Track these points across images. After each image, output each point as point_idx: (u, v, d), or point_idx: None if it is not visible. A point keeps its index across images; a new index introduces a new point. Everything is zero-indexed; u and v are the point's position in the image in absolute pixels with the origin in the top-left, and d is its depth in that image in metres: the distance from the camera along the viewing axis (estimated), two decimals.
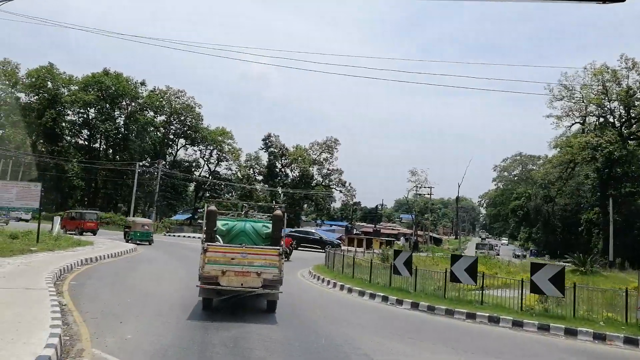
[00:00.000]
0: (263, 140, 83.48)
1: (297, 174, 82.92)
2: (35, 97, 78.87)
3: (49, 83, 76.80)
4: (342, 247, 34.23)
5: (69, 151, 78.28)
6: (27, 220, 49.50)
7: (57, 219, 26.50)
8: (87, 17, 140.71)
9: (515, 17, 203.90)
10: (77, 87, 77.56)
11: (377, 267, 18.72)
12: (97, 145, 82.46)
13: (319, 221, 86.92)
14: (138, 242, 32.02)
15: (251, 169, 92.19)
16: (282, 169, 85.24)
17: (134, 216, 76.44)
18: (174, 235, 49.63)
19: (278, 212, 12.06)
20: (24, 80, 79.00)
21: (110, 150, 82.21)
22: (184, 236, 48.73)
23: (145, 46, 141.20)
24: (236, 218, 13.66)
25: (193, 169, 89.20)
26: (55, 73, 78.35)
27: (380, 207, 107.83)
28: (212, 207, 11.83)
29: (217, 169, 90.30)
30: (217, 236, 11.76)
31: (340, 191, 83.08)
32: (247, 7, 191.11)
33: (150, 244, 32.58)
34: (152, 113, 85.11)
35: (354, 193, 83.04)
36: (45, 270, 14.69)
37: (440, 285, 15.25)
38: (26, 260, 16.98)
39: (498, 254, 55.77)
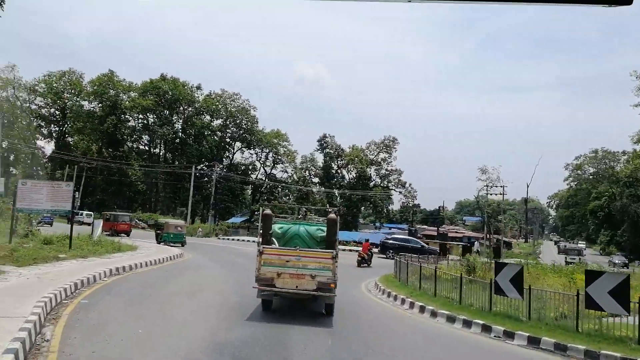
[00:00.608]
0: (318, 141, 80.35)
1: (354, 175, 79.04)
2: (98, 105, 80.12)
3: (110, 90, 77.56)
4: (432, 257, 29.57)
5: (130, 156, 78.67)
6: (80, 223, 48.17)
7: (99, 223, 24.00)
8: (152, 26, 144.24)
9: (580, 10, 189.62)
10: (136, 94, 78.04)
11: (463, 282, 14.44)
12: (156, 150, 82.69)
13: (377, 224, 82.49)
14: (171, 244, 30.82)
15: (307, 171, 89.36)
16: (339, 170, 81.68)
17: (192, 220, 75.84)
18: (227, 239, 47.12)
19: (332, 215, 11.87)
20: (87, 88, 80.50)
21: (170, 155, 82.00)
22: (239, 239, 46.09)
23: (199, 52, 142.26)
24: (291, 221, 13.49)
25: (250, 172, 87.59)
26: (116, 80, 79.10)
27: (441, 209, 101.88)
28: (268, 211, 12.02)
29: (273, 171, 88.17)
30: (273, 239, 11.74)
31: (400, 192, 78.26)
32: (296, 11, 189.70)
33: (183, 246, 31.01)
34: (208, 117, 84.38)
35: (415, 194, 77.99)
36: (57, 284, 11.76)
37: (567, 311, 10.86)
38: (45, 270, 14.23)
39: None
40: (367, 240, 30.31)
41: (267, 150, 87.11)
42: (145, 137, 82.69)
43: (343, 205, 76.83)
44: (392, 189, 78.53)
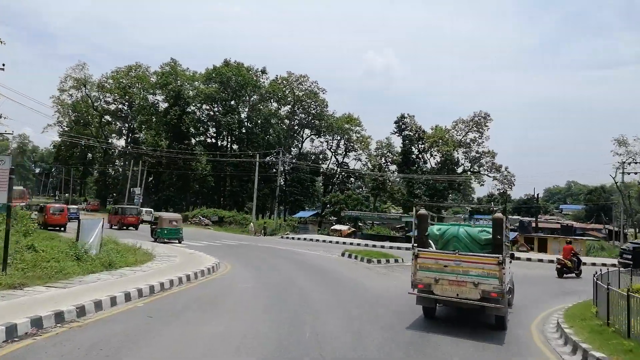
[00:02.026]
0: (396, 122, 70.39)
1: (439, 160, 68.37)
2: (162, 96, 75.98)
3: (172, 80, 72.80)
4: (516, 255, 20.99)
5: (195, 149, 73.54)
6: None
7: (94, 224, 16.18)
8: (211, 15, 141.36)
9: None
10: (199, 83, 72.78)
11: None
12: (223, 142, 77.12)
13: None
14: (166, 240, 27.32)
15: (382, 158, 79.88)
16: (420, 155, 71.29)
17: (256, 214, 69.20)
18: (293, 238, 37.90)
19: (498, 214, 10.46)
20: (152, 80, 76.52)
21: (236, 147, 75.90)
22: (309, 239, 36.68)
23: (263, 39, 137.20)
24: (449, 222, 12.67)
25: (320, 162, 79.67)
26: (179, 70, 74.26)
27: (536, 196, 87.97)
28: (423, 210, 11.10)
29: (345, 160, 79.62)
30: (430, 241, 10.69)
31: (495, 178, 66.47)
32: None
33: (179, 242, 27.35)
34: (275, 105, 77.49)
35: (513, 179, 65.93)
36: None
37: None
38: None
39: None
40: (569, 243, 22.47)
41: (339, 137, 78.82)
42: (212, 130, 77.45)
43: (426, 194, 66.66)
44: (484, 174, 66.97)
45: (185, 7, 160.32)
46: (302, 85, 75.24)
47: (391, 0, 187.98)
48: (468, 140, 68.45)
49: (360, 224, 43.88)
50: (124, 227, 37.06)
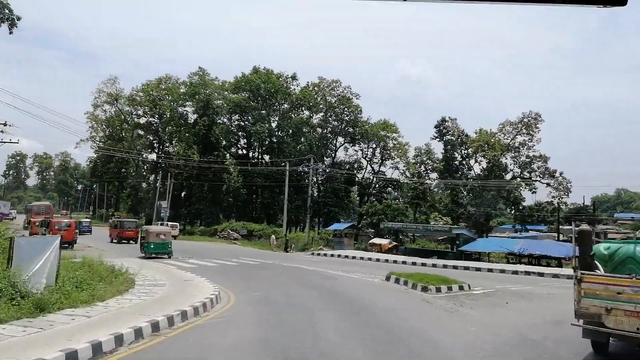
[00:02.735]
0: (436, 127, 64.75)
1: (485, 166, 62.11)
2: (191, 107, 73.17)
3: (201, 90, 69.80)
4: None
5: (225, 160, 69.92)
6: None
7: (53, 242, 11.54)
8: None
9: None
10: (228, 92, 69.50)
11: None
12: (253, 153, 73.32)
13: (517, 226, 64.33)
14: (153, 255, 24.63)
15: (422, 165, 74.11)
16: (464, 161, 65.22)
17: (288, 227, 64.58)
18: (326, 255, 31.75)
19: (585, 227, 9.43)
20: (181, 90, 73.85)
21: (267, 157, 71.85)
22: (344, 256, 30.34)
23: (291, 49, 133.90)
24: (621, 240, 11.78)
25: (355, 171, 74.61)
26: (208, 79, 71.23)
27: (592, 204, 79.66)
28: (586, 226, 9.72)
29: (382, 168, 74.22)
30: (597, 262, 9.01)
31: (548, 184, 59.57)
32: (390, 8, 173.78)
33: (169, 257, 24.66)
34: (307, 112, 73.28)
35: (569, 186, 58.89)
36: None
37: None
38: None
39: None
40: None
41: (374, 145, 73.65)
42: (242, 141, 73.80)
43: (471, 203, 60.44)
44: (536, 180, 60.20)
45: (212, 19, 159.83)
46: (335, 91, 70.79)
47: (419, 7, 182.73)
48: (517, 144, 62.00)
49: (400, 237, 38.48)
50: (123, 241, 36.28)
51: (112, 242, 35.80)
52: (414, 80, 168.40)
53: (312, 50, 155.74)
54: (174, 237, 47.43)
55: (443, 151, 64.79)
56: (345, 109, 70.76)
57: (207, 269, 18.52)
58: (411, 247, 35.94)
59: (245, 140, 72.81)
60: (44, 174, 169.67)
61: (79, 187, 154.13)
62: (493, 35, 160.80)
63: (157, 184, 71.42)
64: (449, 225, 36.81)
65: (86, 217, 62.76)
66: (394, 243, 33.66)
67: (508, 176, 62.34)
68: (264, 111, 67.61)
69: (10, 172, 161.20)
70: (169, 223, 49.37)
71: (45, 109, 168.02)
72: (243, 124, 68.86)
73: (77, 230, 32.77)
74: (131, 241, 36.05)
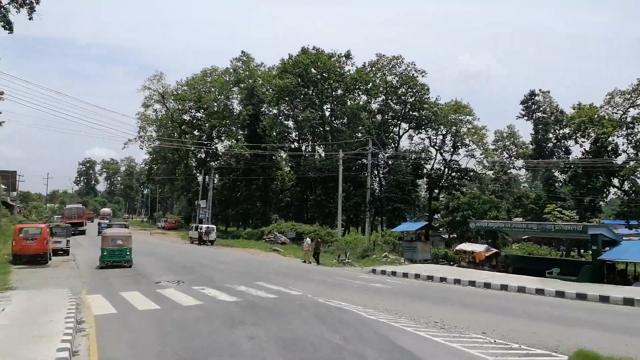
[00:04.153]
0: (523, 102, 52.44)
1: (589, 148, 49.02)
2: (237, 97, 65.58)
3: (245, 77, 61.96)
4: None
5: (274, 153, 61.34)
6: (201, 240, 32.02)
7: None
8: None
9: None
10: (275, 78, 60.98)
11: None
12: (302, 143, 64.29)
13: (633, 221, 50.34)
14: (108, 263, 19.80)
15: (503, 152, 61.79)
16: (559, 143, 52.35)
17: (347, 228, 54.77)
18: (393, 273, 19.50)
19: None
20: (226, 79, 66.33)
21: (321, 149, 62.54)
22: (426, 276, 18.18)
23: (345, 41, 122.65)
24: None
25: (422, 162, 63.58)
26: (252, 66, 63.25)
27: None
28: None
29: (455, 157, 62.67)
30: None
31: None
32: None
33: (130, 267, 19.86)
34: (364, 97, 63.23)
35: None
36: None
37: None
38: None
39: None
40: None
41: (444, 130, 62.38)
42: (293, 134, 64.96)
43: (571, 193, 47.56)
44: None
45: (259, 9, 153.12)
46: (396, 69, 60.16)
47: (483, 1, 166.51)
48: (628, 119, 48.34)
49: (497, 241, 27.55)
50: None
51: None
52: (476, 73, 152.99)
53: (369, 44, 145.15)
54: (211, 242, 39.47)
55: (533, 132, 52.27)
56: (409, 88, 60.01)
57: (145, 320, 9.37)
58: (514, 255, 25.13)
59: (296, 133, 63.96)
60: (112, 179, 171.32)
61: (145, 191, 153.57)
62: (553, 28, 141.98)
63: (205, 183, 64.25)
64: (576, 222, 25.22)
65: (123, 219, 57.54)
66: (493, 250, 22.99)
67: (619, 159, 48.83)
68: (314, 96, 58.36)
69: (81, 179, 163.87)
70: (203, 226, 41.34)
71: (118, 113, 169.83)
72: (292, 112, 59.99)
73: (63, 239, 25.08)
74: None
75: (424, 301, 11.81)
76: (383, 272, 17.75)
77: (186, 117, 74.10)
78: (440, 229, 37.33)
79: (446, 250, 33.25)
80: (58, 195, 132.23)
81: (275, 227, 46.83)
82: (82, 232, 47.92)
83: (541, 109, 51.22)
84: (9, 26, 46.35)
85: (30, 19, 42.54)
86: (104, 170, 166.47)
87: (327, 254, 34.79)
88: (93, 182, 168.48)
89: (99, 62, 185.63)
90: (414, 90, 60.18)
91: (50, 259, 22.78)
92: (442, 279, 15.72)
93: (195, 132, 77.68)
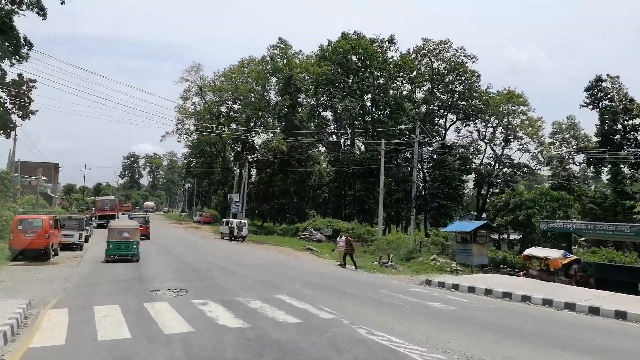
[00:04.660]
0: (588, 89, 46.64)
1: None
2: (274, 87, 62.69)
3: (282, 66, 58.84)
4: None
5: (311, 146, 57.98)
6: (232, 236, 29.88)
7: None
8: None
9: None
10: (313, 66, 57.51)
11: None
12: (341, 135, 60.52)
13: None
14: (115, 256, 18.61)
15: (562, 146, 55.96)
16: (628, 135, 46.28)
17: (387, 226, 50.80)
18: (455, 287, 14.09)
19: None
20: (264, 68, 63.37)
21: (361, 139, 58.58)
22: (502, 294, 12.54)
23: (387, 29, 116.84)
24: None
25: (471, 156, 58.64)
26: (289, 53, 60.05)
27: None
28: None
29: (507, 151, 57.41)
30: None
31: None
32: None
33: (137, 261, 18.61)
34: (408, 86, 58.82)
35: None
36: None
37: None
38: None
39: None
40: None
41: (495, 122, 57.25)
42: (332, 126, 61.33)
43: None
44: None
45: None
46: (443, 54, 55.37)
47: None
48: None
49: (573, 245, 23.06)
50: None
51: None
52: (524, 66, 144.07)
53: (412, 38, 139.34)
54: (242, 238, 36.52)
55: (599, 123, 46.39)
56: (458, 76, 55.18)
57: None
58: (597, 262, 20.58)
59: (334, 125, 60.27)
60: (154, 173, 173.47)
61: (186, 186, 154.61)
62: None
63: (240, 176, 61.72)
64: None
65: (144, 212, 55.84)
66: (571, 256, 18.60)
67: None
68: (354, 85, 54.48)
69: (126, 172, 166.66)
70: (234, 221, 38.45)
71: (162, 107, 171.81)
72: (330, 102, 56.33)
73: (75, 233, 22.60)
74: (143, 237, 30.62)
75: (517, 339, 7.92)
76: (441, 285, 13.75)
77: (223, 109, 71.95)
78: (504, 229, 32.70)
79: (505, 253, 28.76)
80: (102, 188, 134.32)
81: (310, 224, 43.41)
82: None
83: (608, 96, 45.27)
84: (42, 12, 44.82)
85: (62, 3, 40.56)
86: (147, 164, 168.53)
87: (366, 254, 31.08)
88: (137, 176, 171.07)
89: (141, 58, 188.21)
90: (463, 78, 55.36)
91: (56, 254, 20.27)
92: (525, 298, 11.63)
93: (233, 125, 75.52)
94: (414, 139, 30.11)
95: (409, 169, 54.83)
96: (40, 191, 65.89)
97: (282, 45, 58.60)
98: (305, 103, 59.59)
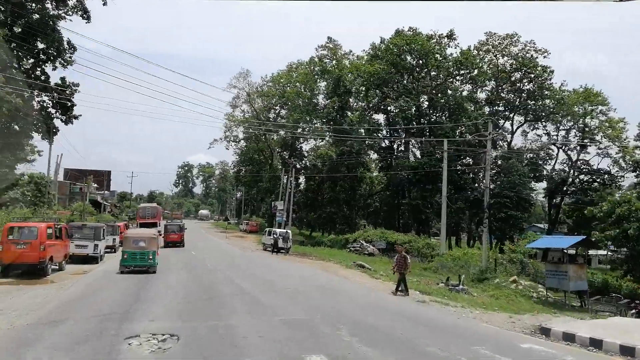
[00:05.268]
0: None
1: None
2: (323, 91, 58.82)
3: (332, 68, 54.91)
4: None
5: (361, 152, 53.23)
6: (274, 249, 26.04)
7: None
8: None
9: None
10: (363, 62, 53.09)
11: None
12: (395, 142, 55.52)
13: None
14: (131, 267, 16.86)
15: None
16: None
17: (449, 242, 45.08)
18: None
19: None
20: (312, 69, 59.57)
21: (415, 143, 53.27)
22: None
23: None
24: None
25: (542, 162, 51.98)
26: (339, 54, 56.01)
27: None
28: None
29: (584, 156, 50.42)
30: None
31: None
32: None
33: (154, 272, 16.84)
34: (469, 86, 53.17)
35: None
36: None
37: None
38: None
39: None
40: None
41: (569, 124, 50.54)
42: (382, 130, 56.38)
43: None
44: None
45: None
46: (510, 49, 49.39)
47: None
48: None
49: None
50: (169, 245, 31.78)
51: (164, 247, 29.75)
52: (585, 73, 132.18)
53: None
54: (286, 250, 32.47)
55: None
56: (527, 73, 48.99)
57: None
58: None
59: (387, 130, 55.33)
60: (207, 182, 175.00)
61: (238, 195, 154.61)
62: None
63: (287, 183, 58.20)
64: None
65: (177, 218, 53.48)
66: None
67: None
68: (409, 85, 49.54)
69: (180, 181, 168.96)
70: (277, 230, 34.42)
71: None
72: (382, 104, 51.59)
73: (90, 243, 19.30)
74: (178, 244, 32.27)
75: None
76: (569, 338, 8.55)
77: (271, 114, 68.97)
78: (605, 246, 26.79)
79: (604, 276, 22.88)
80: (155, 196, 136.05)
81: (361, 235, 38.75)
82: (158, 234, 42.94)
83: None
84: (86, 15, 43.05)
85: (104, 4, 38.39)
86: (201, 173, 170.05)
87: (427, 271, 26.07)
88: (190, 185, 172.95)
89: (193, 71, 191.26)
90: (533, 75, 49.07)
91: (61, 269, 16.91)
92: None
93: (282, 132, 72.43)
94: (486, 137, 24.86)
95: (470, 174, 49.14)
96: (90, 198, 65.41)
97: (331, 46, 54.68)
98: (355, 105, 55.29)
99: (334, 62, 54.35)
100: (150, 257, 17.12)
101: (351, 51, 56.73)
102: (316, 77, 56.64)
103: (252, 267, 21.02)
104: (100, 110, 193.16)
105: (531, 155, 51.68)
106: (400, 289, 14.90)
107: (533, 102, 50.23)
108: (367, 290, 15.76)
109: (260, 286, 14.62)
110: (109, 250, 25.33)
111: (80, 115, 44.13)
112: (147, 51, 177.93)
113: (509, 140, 52.00)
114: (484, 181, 27.17)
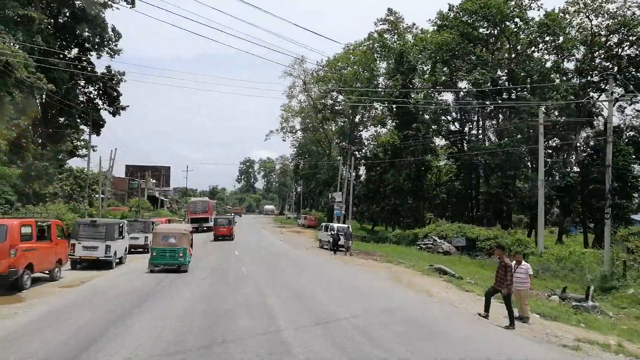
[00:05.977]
0: None
1: None
2: (385, 70, 53.01)
3: (392, 43, 48.97)
4: None
5: (427, 137, 46.81)
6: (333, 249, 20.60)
7: None
8: None
9: None
10: (427, 37, 46.57)
11: None
12: (461, 123, 48.51)
13: None
14: (160, 266, 15.57)
15: None
16: None
17: (559, 237, 37.70)
18: None
19: None
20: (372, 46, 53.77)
21: (492, 137, 46.10)
22: None
23: None
24: None
25: None
26: (401, 27, 49.85)
27: None
28: None
29: None
30: None
31: None
32: None
33: (185, 271, 15.47)
34: (553, 57, 45.16)
35: None
36: None
37: None
38: None
39: None
40: None
41: None
42: (451, 111, 49.52)
43: None
44: None
45: None
46: (606, 7, 40.93)
47: None
48: None
49: None
50: (219, 239, 32.00)
51: (214, 240, 31.95)
52: None
53: None
54: (347, 249, 27.38)
55: None
56: (627, 35, 40.40)
57: None
58: None
59: (456, 113, 48.53)
60: (268, 177, 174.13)
61: (299, 189, 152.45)
62: None
63: (346, 172, 53.03)
64: None
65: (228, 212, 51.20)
66: None
67: None
68: (480, 50, 42.52)
69: (242, 177, 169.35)
70: (335, 225, 29.37)
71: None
72: (451, 78, 44.88)
73: (101, 244, 15.30)
74: (227, 238, 32.41)
75: None
76: None
77: (328, 101, 64.09)
78: None
79: None
80: (217, 192, 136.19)
81: (433, 229, 32.77)
82: (210, 229, 38.66)
83: None
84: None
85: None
86: (262, 169, 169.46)
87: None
88: (252, 180, 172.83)
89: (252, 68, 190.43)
90: (635, 37, 40.34)
91: (52, 279, 12.92)
92: None
93: (340, 122, 67.36)
94: (608, 96, 18.27)
95: (562, 156, 41.57)
96: (148, 194, 64.16)
97: (391, 19, 48.64)
98: (420, 85, 48.93)
99: (395, 37, 48.31)
100: (181, 254, 15.50)
101: (414, 24, 50.37)
102: (376, 55, 50.85)
103: (298, 275, 16.09)
104: (164, 107, 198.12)
105: (634, 133, 43.10)
106: (486, 311, 9.60)
107: (634, 70, 41.60)
108: (463, 317, 10.25)
109: (302, 311, 9.59)
110: (140, 249, 21.61)
111: (128, 106, 41.93)
112: (203, 50, 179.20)
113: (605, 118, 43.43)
114: (609, 156, 20.34)
